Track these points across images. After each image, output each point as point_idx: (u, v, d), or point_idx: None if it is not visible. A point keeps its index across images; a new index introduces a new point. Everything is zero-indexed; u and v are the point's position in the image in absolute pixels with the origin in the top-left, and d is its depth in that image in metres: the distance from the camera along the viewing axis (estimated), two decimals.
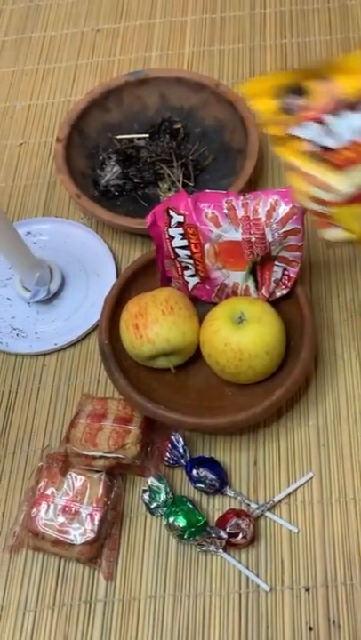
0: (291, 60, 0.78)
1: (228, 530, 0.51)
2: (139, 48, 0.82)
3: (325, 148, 0.37)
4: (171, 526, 0.51)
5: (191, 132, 0.71)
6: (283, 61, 0.78)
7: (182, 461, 0.54)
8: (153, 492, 0.53)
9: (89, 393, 0.59)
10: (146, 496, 0.53)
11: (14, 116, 0.79)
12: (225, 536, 0.51)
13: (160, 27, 0.83)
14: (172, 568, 0.52)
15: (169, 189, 0.68)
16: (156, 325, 0.53)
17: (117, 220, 0.64)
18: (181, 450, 0.55)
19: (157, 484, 0.53)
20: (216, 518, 0.53)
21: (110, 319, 0.57)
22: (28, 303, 0.65)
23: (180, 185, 0.68)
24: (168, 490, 0.53)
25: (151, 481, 0.53)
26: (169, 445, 0.55)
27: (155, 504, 0.53)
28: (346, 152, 0.36)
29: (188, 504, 0.52)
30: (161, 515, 0.53)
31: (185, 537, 0.51)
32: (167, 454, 0.54)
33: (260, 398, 0.54)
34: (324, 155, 0.37)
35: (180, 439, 0.55)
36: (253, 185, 0.68)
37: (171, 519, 0.51)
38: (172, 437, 0.55)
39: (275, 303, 0.56)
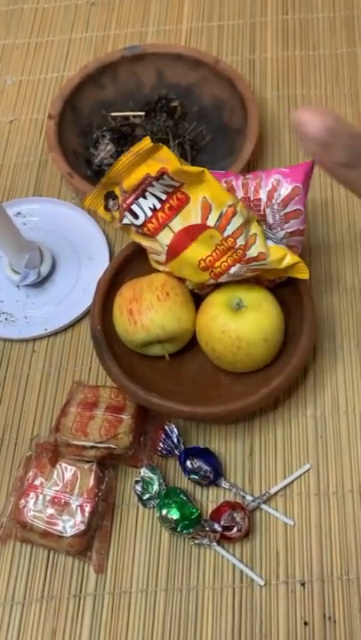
0: (292, 37, 0.75)
1: (222, 523, 0.49)
2: (135, 23, 0.78)
3: (138, 226, 0.50)
4: (164, 519, 0.50)
5: (188, 110, 0.69)
6: (284, 38, 0.75)
7: (176, 452, 0.53)
8: (145, 483, 0.51)
9: (80, 380, 0.57)
10: (138, 487, 0.51)
11: (4, 91, 0.75)
12: (219, 529, 0.49)
13: (157, 1, 0.80)
14: (164, 561, 0.51)
15: None
16: (150, 311, 0.51)
17: None
18: (175, 440, 0.53)
19: (150, 474, 0.51)
20: (210, 511, 0.51)
21: (103, 304, 0.55)
22: (18, 286, 0.62)
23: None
24: (161, 481, 0.51)
25: (144, 471, 0.51)
26: (162, 435, 0.53)
27: (147, 495, 0.51)
28: (149, 224, 0.49)
29: (181, 496, 0.50)
30: (154, 506, 0.51)
31: (178, 530, 0.49)
32: (160, 444, 0.53)
33: (257, 387, 0.52)
34: (141, 231, 0.50)
35: (175, 429, 0.53)
36: (253, 166, 0.65)
37: (164, 511, 0.49)
38: (166, 427, 0.53)
39: (273, 289, 0.54)
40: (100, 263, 0.63)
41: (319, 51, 0.74)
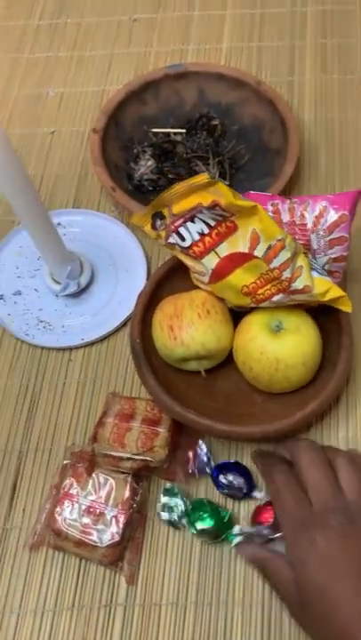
0: (331, 61, 0.75)
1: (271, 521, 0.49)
2: (176, 40, 0.79)
3: (184, 248, 0.51)
4: (201, 532, 0.50)
5: (228, 129, 0.69)
6: (323, 62, 0.76)
7: (207, 470, 0.53)
8: (169, 509, 0.51)
9: (115, 391, 0.58)
10: (165, 515, 0.51)
11: (46, 103, 0.76)
12: (265, 532, 0.49)
13: (198, 19, 0.80)
14: (194, 574, 0.51)
15: None
16: (191, 328, 0.51)
17: None
18: (205, 458, 0.53)
19: (169, 499, 0.51)
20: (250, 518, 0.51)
21: (143, 317, 0.55)
22: (57, 296, 0.63)
23: (209, 176, 0.65)
24: (184, 499, 0.51)
25: (163, 500, 0.51)
26: (193, 456, 0.53)
27: (175, 517, 0.51)
28: (195, 247, 0.50)
29: (208, 505, 0.50)
30: (185, 526, 0.51)
31: (220, 537, 0.49)
32: (191, 465, 0.52)
33: (291, 408, 0.52)
34: (187, 252, 0.51)
35: (204, 447, 0.53)
36: (290, 187, 0.66)
37: (199, 525, 0.49)
38: (197, 448, 0.53)
39: (311, 311, 0.54)
40: (137, 276, 0.63)
41: (357, 75, 0.75)
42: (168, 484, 0.52)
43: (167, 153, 0.67)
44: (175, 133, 0.68)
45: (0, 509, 0.54)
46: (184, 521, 0.51)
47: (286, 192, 0.63)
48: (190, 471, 0.53)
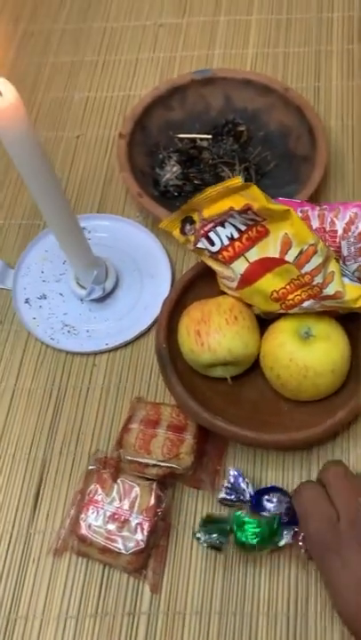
0: (357, 67, 0.75)
1: None
2: (202, 45, 0.79)
3: (213, 252, 0.50)
4: (250, 547, 0.48)
5: (254, 135, 0.68)
6: (349, 68, 0.75)
7: (246, 497, 0.50)
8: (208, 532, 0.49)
9: (140, 397, 0.57)
10: (204, 537, 0.49)
11: (72, 107, 0.76)
12: None
13: (224, 25, 0.80)
14: (218, 584, 0.50)
15: None
16: (218, 334, 0.51)
17: None
18: (243, 484, 0.50)
19: (210, 537, 0.48)
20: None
21: (168, 323, 0.55)
22: (81, 300, 0.62)
23: (242, 179, 0.65)
24: (223, 524, 0.49)
25: (204, 538, 0.48)
26: (226, 484, 0.50)
27: (218, 542, 0.49)
28: (225, 252, 0.49)
29: (245, 517, 0.48)
30: (227, 542, 0.49)
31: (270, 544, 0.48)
32: (224, 493, 0.50)
33: (317, 416, 0.51)
34: (215, 257, 0.51)
35: (239, 474, 0.50)
36: (316, 194, 0.65)
37: (252, 540, 0.47)
38: (230, 476, 0.50)
39: (339, 319, 0.53)
40: (161, 282, 0.63)
41: None
42: (203, 516, 0.50)
43: (193, 159, 0.67)
44: (201, 139, 0.68)
45: (24, 514, 0.54)
46: (223, 541, 0.48)
47: (313, 199, 0.63)
48: (224, 503, 0.50)
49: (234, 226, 0.47)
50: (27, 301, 0.63)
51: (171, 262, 0.64)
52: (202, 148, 0.67)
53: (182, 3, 0.82)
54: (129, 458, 0.51)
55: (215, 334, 0.51)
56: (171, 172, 0.66)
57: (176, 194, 0.66)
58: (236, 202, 0.46)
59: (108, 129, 0.74)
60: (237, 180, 0.45)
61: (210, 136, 0.68)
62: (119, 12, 0.83)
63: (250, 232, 0.47)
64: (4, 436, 0.57)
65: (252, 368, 0.55)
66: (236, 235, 0.47)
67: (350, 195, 0.66)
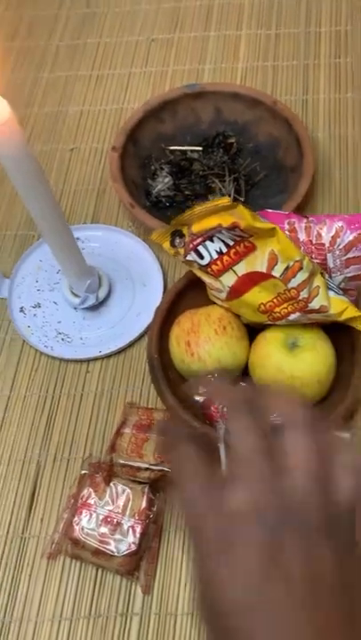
0: (345, 80, 0.76)
1: None
2: (192, 60, 0.80)
3: (202, 265, 0.51)
4: None
5: (243, 147, 0.69)
6: (336, 81, 0.76)
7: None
8: None
9: (133, 402, 0.58)
10: None
11: (66, 120, 0.77)
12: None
13: (214, 40, 0.81)
14: None
15: None
16: (208, 344, 0.51)
17: None
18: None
19: None
20: None
21: (160, 332, 0.55)
22: (75, 308, 0.63)
23: (230, 199, 0.66)
24: None
25: None
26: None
27: None
28: (213, 265, 0.50)
29: None
30: None
31: None
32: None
33: None
34: (205, 270, 0.51)
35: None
36: (304, 203, 0.66)
37: None
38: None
39: (324, 327, 0.54)
40: (153, 290, 0.63)
41: None
42: None
43: (184, 170, 0.67)
44: (192, 151, 0.68)
45: (18, 518, 0.54)
46: None
47: (301, 209, 0.63)
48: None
49: (222, 241, 0.48)
50: (21, 310, 0.64)
51: (162, 270, 0.65)
52: (193, 159, 0.68)
53: (174, 18, 0.83)
54: (121, 462, 0.51)
55: (205, 344, 0.51)
56: (162, 182, 0.67)
57: (168, 204, 0.67)
58: (224, 219, 0.46)
59: (101, 142, 0.75)
60: (226, 200, 0.46)
61: (200, 148, 0.68)
62: (113, 28, 0.84)
63: (238, 247, 0.47)
64: None
65: (243, 374, 0.56)
66: (224, 249, 0.48)
67: (337, 204, 0.67)
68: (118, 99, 0.78)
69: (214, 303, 0.55)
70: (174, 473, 0.31)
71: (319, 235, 0.48)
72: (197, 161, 0.68)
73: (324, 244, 0.48)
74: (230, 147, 0.68)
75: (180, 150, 0.69)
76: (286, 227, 0.49)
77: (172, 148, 0.69)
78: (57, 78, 0.80)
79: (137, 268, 0.65)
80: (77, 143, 0.75)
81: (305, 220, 0.50)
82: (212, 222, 0.47)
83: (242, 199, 0.66)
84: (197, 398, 0.51)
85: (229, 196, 0.66)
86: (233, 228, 0.46)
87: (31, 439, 0.58)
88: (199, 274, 0.52)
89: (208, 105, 0.70)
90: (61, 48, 0.83)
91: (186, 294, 0.58)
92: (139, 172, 0.68)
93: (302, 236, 0.49)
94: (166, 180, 0.67)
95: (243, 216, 0.46)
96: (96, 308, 0.63)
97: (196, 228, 0.48)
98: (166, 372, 0.54)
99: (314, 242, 0.48)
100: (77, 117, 0.77)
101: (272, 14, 0.82)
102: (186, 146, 0.69)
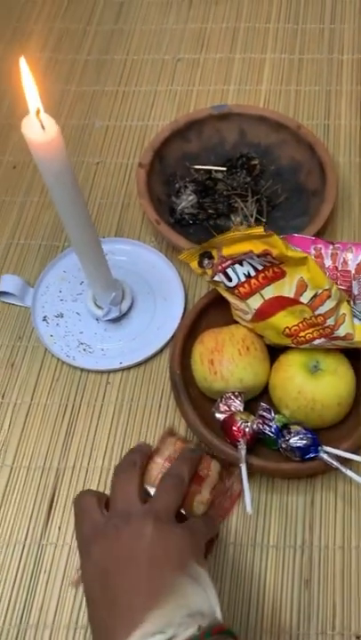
0: None
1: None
2: (217, 80, 0.80)
3: (229, 287, 0.52)
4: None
5: (265, 169, 0.70)
6: (357, 107, 0.77)
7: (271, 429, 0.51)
8: None
9: (172, 428, 0.55)
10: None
11: (92, 134, 0.78)
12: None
13: (239, 62, 0.82)
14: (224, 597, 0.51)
15: (241, 223, 0.67)
16: (231, 364, 0.52)
17: None
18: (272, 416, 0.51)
19: None
20: None
21: (183, 349, 0.56)
22: (97, 320, 0.63)
23: (252, 220, 0.66)
24: None
25: None
26: (258, 420, 0.51)
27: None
28: (241, 288, 0.51)
29: None
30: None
31: None
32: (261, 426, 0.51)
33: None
34: (232, 291, 0.52)
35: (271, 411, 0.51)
36: (323, 228, 0.67)
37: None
38: (263, 412, 0.51)
39: (346, 351, 0.54)
40: (174, 304, 0.64)
41: None
42: None
43: (208, 189, 0.68)
44: (216, 171, 0.69)
45: (36, 526, 0.54)
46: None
47: (320, 233, 0.64)
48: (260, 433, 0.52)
49: (251, 265, 0.48)
50: (44, 319, 0.64)
51: (184, 286, 0.65)
52: (217, 179, 0.69)
53: (200, 39, 0.84)
54: (147, 489, 0.50)
55: (228, 364, 0.52)
56: (186, 200, 0.68)
57: (191, 221, 0.67)
58: (256, 246, 0.47)
59: (126, 157, 0.75)
60: (260, 230, 0.46)
61: (224, 168, 0.69)
62: (140, 46, 0.84)
63: (267, 272, 0.48)
64: (19, 449, 0.58)
65: (261, 394, 0.56)
66: (253, 273, 0.49)
67: (356, 229, 0.68)
68: (143, 115, 0.79)
69: (236, 322, 0.56)
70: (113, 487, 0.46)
71: (345, 262, 0.49)
72: (222, 181, 0.68)
73: (350, 271, 0.49)
74: (253, 168, 0.69)
75: (204, 170, 0.69)
76: (313, 252, 0.50)
77: (196, 167, 0.70)
78: (84, 92, 0.81)
79: (158, 282, 0.66)
80: (102, 157, 0.76)
81: (331, 247, 0.50)
82: (243, 247, 0.47)
83: (264, 220, 0.67)
84: (218, 416, 0.52)
85: (251, 216, 0.67)
86: (264, 254, 0.46)
87: (51, 447, 0.58)
88: (225, 294, 0.52)
89: (233, 126, 0.70)
90: (89, 62, 0.84)
91: (208, 312, 0.58)
92: (163, 188, 0.69)
93: (328, 262, 0.50)
94: (190, 198, 0.68)
95: (276, 245, 0.46)
96: (118, 320, 0.63)
97: (226, 251, 0.49)
98: (187, 389, 0.54)
99: (340, 268, 0.49)
100: (103, 132, 0.78)
101: (296, 40, 0.83)
102: (209, 165, 0.70)
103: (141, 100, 0.80)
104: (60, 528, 0.54)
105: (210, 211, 0.67)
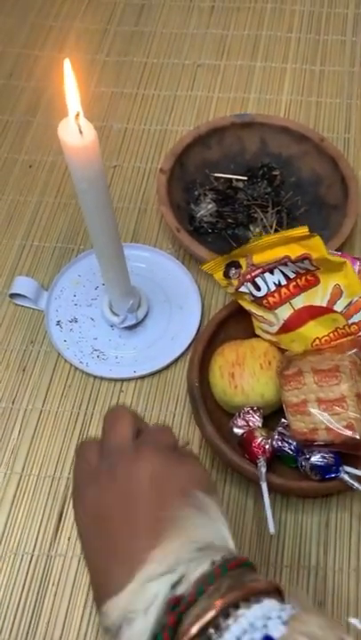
0: None
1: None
2: (238, 88, 0.78)
3: (257, 297, 0.50)
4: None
5: (285, 180, 0.68)
6: None
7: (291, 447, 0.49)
8: None
9: (187, 441, 0.54)
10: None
11: (110, 137, 0.75)
12: None
13: (260, 70, 0.80)
14: None
15: (260, 233, 0.65)
16: (252, 379, 0.50)
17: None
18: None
19: None
20: None
21: (201, 360, 0.54)
22: (112, 326, 0.61)
23: (272, 230, 0.64)
24: None
25: None
26: (277, 437, 0.50)
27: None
28: (270, 298, 0.49)
29: None
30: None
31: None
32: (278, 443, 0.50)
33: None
34: (259, 302, 0.50)
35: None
36: (344, 242, 0.65)
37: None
38: (283, 428, 0.50)
39: None
40: (190, 313, 0.62)
41: None
42: None
43: (228, 198, 0.66)
44: (237, 180, 0.67)
45: (45, 536, 0.52)
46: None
47: (340, 248, 0.62)
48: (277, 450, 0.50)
49: (283, 273, 0.46)
50: (58, 323, 0.62)
51: (200, 295, 0.63)
52: (238, 188, 0.67)
53: (221, 46, 0.82)
54: None
55: (250, 378, 0.50)
56: (206, 208, 0.66)
57: (209, 230, 0.65)
58: (293, 250, 0.45)
59: (143, 161, 0.73)
60: (304, 230, 0.44)
61: (245, 178, 0.67)
62: (160, 49, 0.82)
63: (299, 280, 0.46)
64: (29, 456, 0.56)
65: (279, 410, 0.54)
66: (283, 282, 0.47)
67: None
68: (163, 120, 0.76)
69: (256, 336, 0.54)
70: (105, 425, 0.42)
71: None
72: (242, 190, 0.66)
73: None
74: (274, 179, 0.67)
75: (225, 178, 0.67)
76: None
77: (217, 175, 0.68)
78: (102, 93, 0.79)
79: (175, 290, 0.64)
80: (120, 161, 0.73)
81: (358, 263, 0.49)
82: (278, 253, 0.45)
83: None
84: (236, 431, 0.50)
85: (271, 227, 0.65)
86: (303, 259, 0.44)
87: (62, 456, 0.56)
88: (249, 306, 0.50)
89: (254, 135, 0.68)
90: (108, 64, 0.81)
91: (228, 324, 0.56)
92: (183, 195, 0.66)
93: None
94: (210, 206, 0.66)
95: (317, 247, 0.44)
96: (133, 327, 0.61)
97: (257, 259, 0.47)
98: (205, 401, 0.52)
99: None
100: (121, 135, 0.75)
101: (317, 51, 0.81)
102: (229, 174, 0.68)
103: (160, 104, 0.78)
104: (69, 539, 0.52)
105: (229, 220, 0.65)
